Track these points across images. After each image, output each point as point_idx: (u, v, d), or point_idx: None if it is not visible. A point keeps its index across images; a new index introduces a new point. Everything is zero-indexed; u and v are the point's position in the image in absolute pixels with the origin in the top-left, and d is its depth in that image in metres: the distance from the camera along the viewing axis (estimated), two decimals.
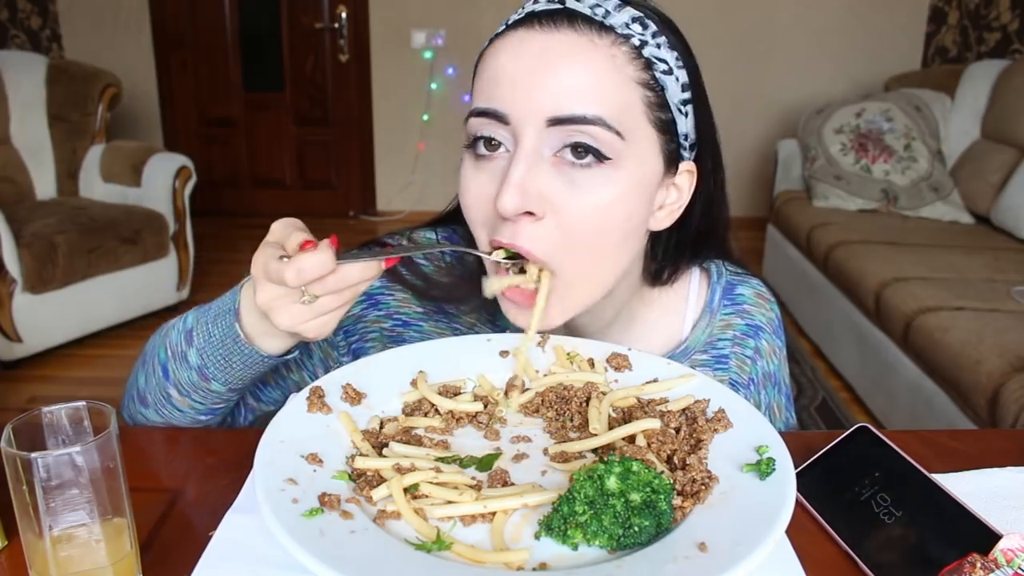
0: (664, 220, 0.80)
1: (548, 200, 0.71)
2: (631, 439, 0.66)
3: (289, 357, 0.79)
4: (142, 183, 3.54)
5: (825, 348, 3.33)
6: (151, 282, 3.49)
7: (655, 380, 0.76)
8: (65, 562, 0.56)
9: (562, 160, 0.71)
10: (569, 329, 0.87)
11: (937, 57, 4.63)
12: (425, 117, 4.94)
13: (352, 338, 0.90)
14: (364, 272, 0.68)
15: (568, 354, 0.81)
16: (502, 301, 0.78)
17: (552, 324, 0.77)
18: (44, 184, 3.68)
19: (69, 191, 3.70)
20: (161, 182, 3.51)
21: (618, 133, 0.70)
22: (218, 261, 4.24)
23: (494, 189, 0.72)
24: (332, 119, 5.05)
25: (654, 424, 0.66)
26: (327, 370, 0.89)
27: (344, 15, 4.79)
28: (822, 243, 3.31)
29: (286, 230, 0.69)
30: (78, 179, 3.69)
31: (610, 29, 0.71)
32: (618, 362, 0.79)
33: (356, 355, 0.89)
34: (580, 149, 0.70)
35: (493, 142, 0.73)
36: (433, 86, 4.88)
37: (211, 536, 0.62)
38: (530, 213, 0.71)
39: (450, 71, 4.85)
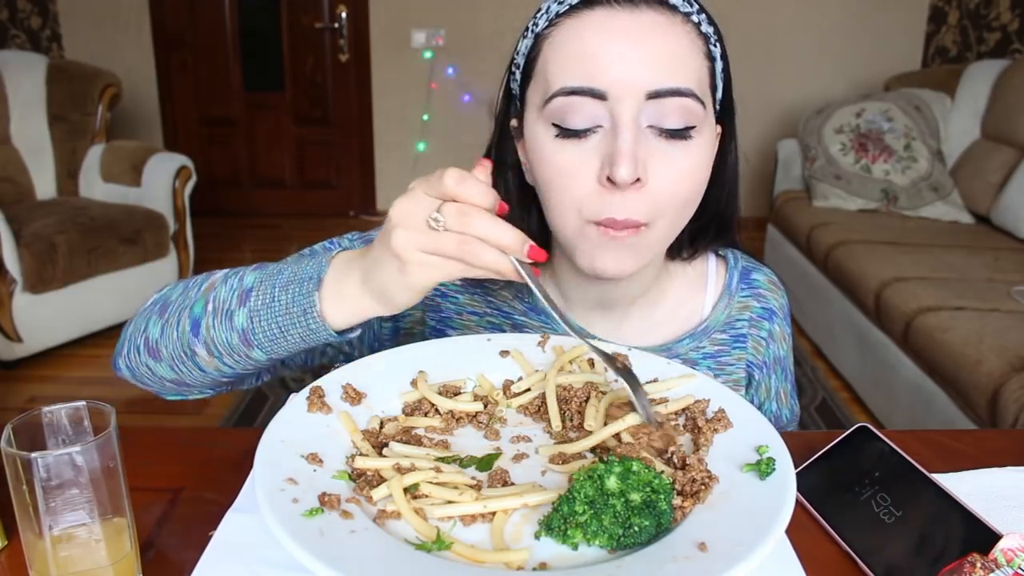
0: None
1: (649, 168, 0.75)
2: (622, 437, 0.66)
3: (350, 336, 0.73)
4: (142, 183, 3.54)
5: (825, 348, 3.33)
6: (151, 282, 3.48)
7: (655, 380, 0.76)
8: (65, 562, 0.56)
9: (657, 131, 0.75)
10: (602, 302, 0.90)
11: (937, 57, 4.63)
12: (425, 117, 4.94)
13: None
14: (493, 230, 0.61)
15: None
16: (593, 244, 0.78)
17: (626, 272, 0.79)
18: (44, 184, 3.68)
19: (69, 191, 3.70)
20: (161, 182, 3.51)
21: (703, 103, 0.77)
22: (218, 261, 4.21)
23: (594, 163, 0.75)
24: (332, 119, 5.05)
25: (635, 420, 0.66)
26: (368, 332, 0.92)
27: (344, 15, 4.79)
28: (822, 243, 3.31)
29: None
30: (78, 179, 3.69)
31: (675, 8, 0.77)
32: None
33: (396, 322, 0.93)
34: (677, 127, 0.75)
35: (588, 126, 0.75)
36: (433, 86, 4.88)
37: (211, 536, 0.62)
38: (638, 180, 0.74)
39: (450, 71, 4.85)
